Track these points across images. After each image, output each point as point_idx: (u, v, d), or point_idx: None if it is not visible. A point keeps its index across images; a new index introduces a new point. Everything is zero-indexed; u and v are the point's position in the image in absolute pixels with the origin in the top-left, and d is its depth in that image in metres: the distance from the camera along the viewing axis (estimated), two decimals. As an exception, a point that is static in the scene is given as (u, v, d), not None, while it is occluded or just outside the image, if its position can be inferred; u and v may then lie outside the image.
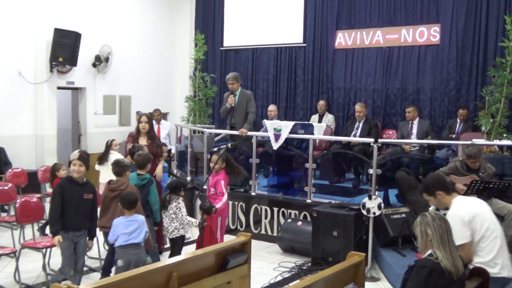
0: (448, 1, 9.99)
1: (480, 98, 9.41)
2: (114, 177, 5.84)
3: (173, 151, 10.76)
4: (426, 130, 9.21)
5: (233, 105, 8.60)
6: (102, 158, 8.01)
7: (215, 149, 6.51)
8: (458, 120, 9.45)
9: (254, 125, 8.97)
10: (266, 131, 8.65)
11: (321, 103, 11.00)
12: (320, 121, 10.63)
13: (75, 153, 5.40)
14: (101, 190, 8.03)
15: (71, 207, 5.37)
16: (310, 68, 11.65)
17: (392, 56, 10.65)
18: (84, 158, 5.43)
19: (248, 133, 8.35)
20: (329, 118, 10.80)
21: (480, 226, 4.32)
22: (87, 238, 5.58)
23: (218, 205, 6.31)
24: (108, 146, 8.34)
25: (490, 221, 4.36)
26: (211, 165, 6.44)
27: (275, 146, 8.16)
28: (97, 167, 8.02)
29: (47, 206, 7.14)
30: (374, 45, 10.81)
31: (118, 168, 5.88)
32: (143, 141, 7.15)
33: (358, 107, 9.85)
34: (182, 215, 6.04)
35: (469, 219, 4.29)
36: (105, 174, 7.76)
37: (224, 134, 9.38)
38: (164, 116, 12.33)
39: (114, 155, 7.83)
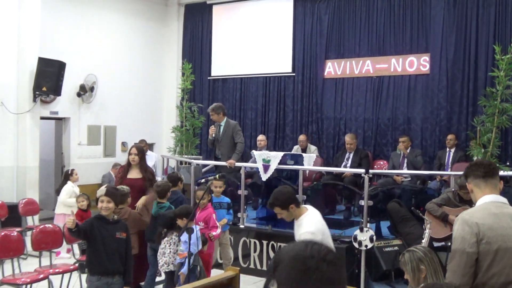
0: (437, 30, 10.01)
1: (471, 128, 9.34)
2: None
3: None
4: (415, 155, 9.11)
5: (213, 135, 8.47)
6: (60, 187, 8.55)
7: (203, 180, 6.40)
8: (448, 149, 9.35)
9: (243, 156, 8.82)
10: (254, 162, 8.51)
11: (302, 138, 10.57)
12: (303, 152, 10.37)
13: (102, 189, 5.02)
14: (55, 220, 8.16)
15: (103, 248, 4.79)
16: (299, 97, 11.57)
17: (382, 85, 10.61)
18: (112, 193, 4.95)
19: (236, 164, 8.19)
20: (312, 150, 10.50)
21: (327, 243, 4.41)
22: (123, 285, 4.94)
23: (216, 233, 6.23)
24: (67, 176, 8.56)
25: (329, 236, 4.74)
26: (197, 201, 6.34)
27: (264, 177, 8.03)
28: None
29: (28, 240, 6.94)
30: (364, 75, 10.77)
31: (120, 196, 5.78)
32: (133, 174, 6.89)
33: (348, 138, 9.65)
34: (170, 251, 5.81)
35: (322, 238, 4.49)
36: (60, 204, 8.43)
37: (212, 165, 9.24)
38: (150, 146, 12.18)
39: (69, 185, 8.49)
